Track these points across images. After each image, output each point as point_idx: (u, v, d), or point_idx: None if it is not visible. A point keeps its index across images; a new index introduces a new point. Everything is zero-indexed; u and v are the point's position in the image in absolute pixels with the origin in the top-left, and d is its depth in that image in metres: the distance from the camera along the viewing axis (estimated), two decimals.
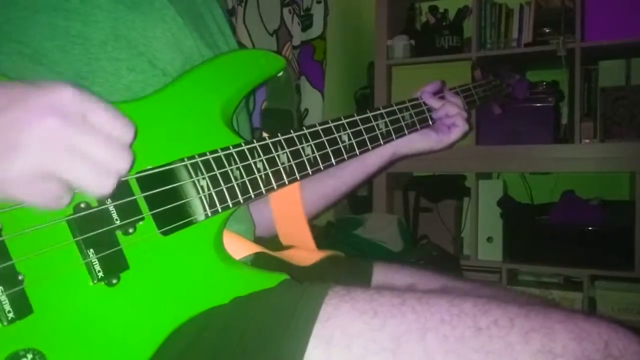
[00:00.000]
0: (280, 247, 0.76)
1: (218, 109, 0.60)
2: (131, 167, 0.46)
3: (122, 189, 0.48)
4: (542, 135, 1.95)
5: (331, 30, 2.18)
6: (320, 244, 0.76)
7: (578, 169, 1.95)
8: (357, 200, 2.32)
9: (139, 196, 0.50)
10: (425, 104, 0.89)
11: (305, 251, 0.73)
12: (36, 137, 0.39)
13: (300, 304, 0.53)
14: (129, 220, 0.49)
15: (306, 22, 2.07)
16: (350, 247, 1.74)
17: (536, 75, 2.17)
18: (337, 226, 1.95)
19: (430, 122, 0.89)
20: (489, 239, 2.05)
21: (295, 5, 1.97)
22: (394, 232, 1.82)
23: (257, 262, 0.67)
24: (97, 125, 0.42)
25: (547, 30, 2.02)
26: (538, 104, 1.97)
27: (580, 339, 0.48)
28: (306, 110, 2.06)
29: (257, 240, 0.73)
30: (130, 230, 0.49)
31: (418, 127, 0.86)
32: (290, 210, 0.75)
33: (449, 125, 0.90)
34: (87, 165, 0.41)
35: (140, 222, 0.50)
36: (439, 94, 0.92)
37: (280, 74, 0.70)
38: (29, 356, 0.42)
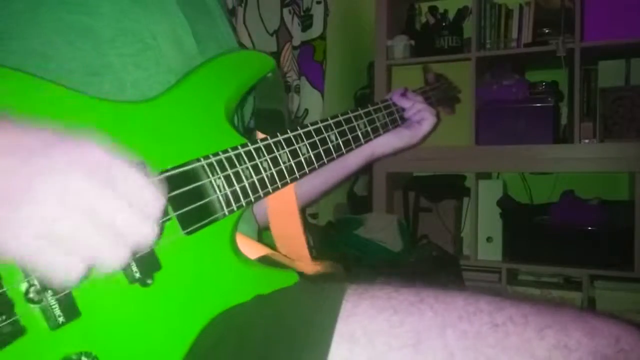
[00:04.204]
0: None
1: (222, 109, 0.60)
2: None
3: None
4: (541, 135, 1.95)
5: (331, 30, 2.19)
6: (320, 244, 0.76)
7: (578, 169, 1.95)
8: (357, 200, 2.32)
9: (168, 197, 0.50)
10: (395, 104, 0.95)
11: (306, 264, 0.74)
12: (55, 192, 0.35)
13: (322, 300, 0.54)
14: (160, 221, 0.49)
15: (306, 22, 2.08)
16: (350, 247, 1.74)
17: (536, 75, 2.17)
18: (337, 226, 1.95)
19: (400, 122, 0.95)
20: (489, 239, 2.05)
21: (295, 6, 1.97)
22: (394, 232, 1.83)
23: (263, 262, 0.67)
24: (123, 192, 0.38)
25: (547, 31, 2.02)
26: (538, 104, 1.97)
27: (592, 334, 0.50)
28: (306, 110, 2.06)
29: (260, 241, 0.73)
30: (160, 232, 0.49)
31: (390, 127, 0.91)
32: (285, 208, 0.75)
33: (419, 120, 0.96)
34: (103, 233, 0.37)
35: (167, 223, 0.50)
36: (404, 96, 0.99)
37: (270, 74, 0.70)
38: (83, 359, 0.43)
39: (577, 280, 1.96)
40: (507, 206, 2.05)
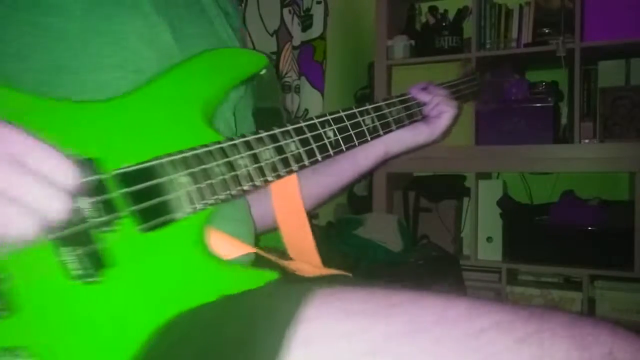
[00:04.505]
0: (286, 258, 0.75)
1: (198, 108, 0.59)
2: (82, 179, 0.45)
3: (99, 187, 0.48)
4: (541, 135, 1.95)
5: (331, 30, 2.19)
6: (320, 244, 0.75)
7: (577, 169, 1.95)
8: (357, 200, 2.32)
9: (118, 193, 0.50)
10: (414, 98, 0.89)
11: (309, 266, 0.72)
12: None
13: (281, 304, 0.52)
14: (105, 219, 0.48)
15: (306, 22, 2.08)
16: (350, 247, 1.74)
17: (536, 76, 2.17)
18: (337, 226, 1.95)
19: (420, 117, 0.88)
20: (489, 239, 2.05)
21: (295, 6, 1.97)
22: (394, 232, 1.83)
23: (258, 264, 0.66)
24: (33, 166, 0.41)
25: (547, 31, 2.02)
26: (538, 104, 1.97)
27: (582, 345, 0.45)
28: (306, 110, 2.06)
29: (258, 242, 0.73)
30: (109, 228, 0.49)
31: (406, 122, 0.85)
32: (290, 206, 0.75)
33: (438, 114, 0.89)
34: (11, 205, 0.40)
35: (119, 220, 0.50)
36: (424, 90, 0.92)
37: (263, 72, 0.69)
38: (17, 353, 0.43)
39: (577, 280, 1.96)
40: (507, 206, 2.05)
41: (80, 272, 0.46)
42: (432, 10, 2.23)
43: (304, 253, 0.74)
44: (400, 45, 2.15)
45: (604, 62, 2.02)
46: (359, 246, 1.76)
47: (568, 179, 2.19)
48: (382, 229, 1.82)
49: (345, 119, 0.74)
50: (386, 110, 0.81)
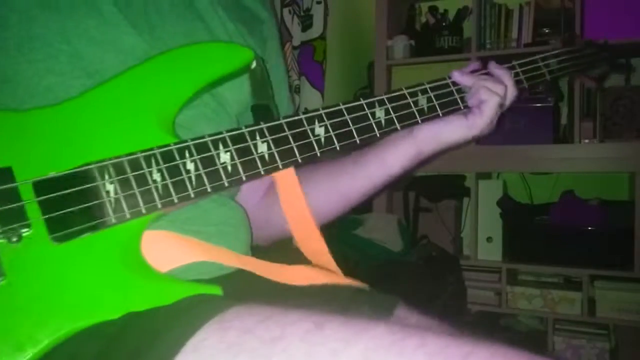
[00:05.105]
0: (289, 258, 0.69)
1: (154, 108, 0.56)
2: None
3: (8, 195, 0.47)
4: (541, 135, 1.95)
5: (331, 30, 2.19)
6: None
7: (577, 169, 1.96)
8: None
9: (30, 201, 0.48)
10: (454, 83, 0.74)
11: (310, 270, 0.67)
12: None
13: (175, 327, 0.47)
14: (10, 227, 0.46)
15: (306, 22, 2.08)
16: (350, 247, 1.74)
17: None
18: (337, 226, 1.95)
19: (461, 106, 0.73)
20: (489, 239, 2.05)
21: (295, 6, 1.97)
22: (394, 232, 1.83)
23: (241, 276, 0.62)
24: None
25: (547, 31, 2.02)
26: (537, 104, 1.97)
27: None
28: (306, 110, 2.06)
29: (256, 247, 0.70)
30: (14, 238, 0.47)
31: (440, 112, 0.71)
32: (297, 208, 0.70)
33: (478, 103, 0.72)
34: None
35: (28, 229, 0.47)
36: (472, 73, 0.76)
37: (253, 66, 0.65)
38: None
39: (577, 280, 1.95)
40: (507, 206, 2.05)
41: None
42: (432, 10, 2.23)
43: (317, 258, 0.71)
44: (400, 45, 2.15)
45: None
46: (359, 246, 1.76)
47: (568, 179, 2.19)
48: (382, 229, 1.82)
49: (345, 112, 0.65)
50: (409, 100, 0.69)
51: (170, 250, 0.57)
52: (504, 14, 2.08)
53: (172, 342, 0.45)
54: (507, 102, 0.76)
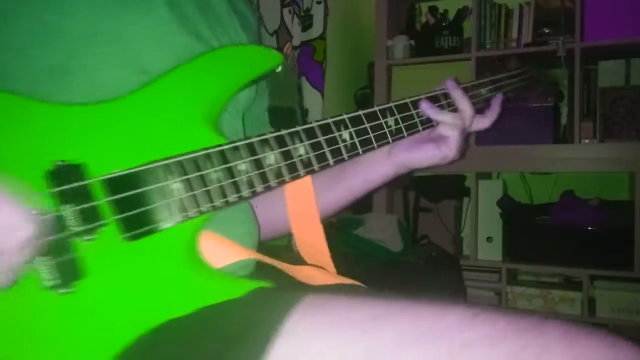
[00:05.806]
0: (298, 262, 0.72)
1: (201, 108, 0.57)
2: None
3: (82, 192, 0.47)
4: (541, 135, 1.95)
5: (331, 30, 2.19)
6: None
7: (577, 169, 1.96)
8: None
9: (103, 201, 0.48)
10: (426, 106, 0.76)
11: (319, 272, 0.69)
12: None
13: (262, 316, 0.50)
14: (86, 227, 0.47)
15: (306, 22, 2.08)
16: (350, 247, 1.74)
17: None
18: (337, 226, 1.95)
19: (420, 128, 0.75)
20: (489, 239, 2.05)
21: (295, 6, 1.97)
22: (394, 232, 1.83)
23: (260, 270, 0.64)
24: None
25: (547, 31, 2.02)
26: (537, 104, 1.97)
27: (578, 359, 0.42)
28: (306, 110, 2.06)
29: (262, 244, 0.70)
30: (90, 237, 0.48)
31: (404, 134, 0.74)
32: (304, 210, 0.72)
33: (443, 138, 0.76)
34: None
35: (103, 228, 0.48)
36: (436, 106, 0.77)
37: (279, 69, 0.67)
38: None
39: (577, 280, 1.96)
40: (507, 206, 2.05)
41: (52, 282, 0.45)
42: (432, 10, 2.23)
43: (317, 258, 0.72)
44: (400, 45, 2.15)
45: (604, 62, 2.02)
46: (359, 246, 1.76)
47: (568, 179, 2.19)
48: (382, 229, 1.82)
49: (317, 132, 0.64)
50: (376, 122, 0.70)
51: (217, 249, 0.58)
52: (504, 14, 2.08)
53: (265, 330, 0.48)
54: (469, 124, 0.79)
